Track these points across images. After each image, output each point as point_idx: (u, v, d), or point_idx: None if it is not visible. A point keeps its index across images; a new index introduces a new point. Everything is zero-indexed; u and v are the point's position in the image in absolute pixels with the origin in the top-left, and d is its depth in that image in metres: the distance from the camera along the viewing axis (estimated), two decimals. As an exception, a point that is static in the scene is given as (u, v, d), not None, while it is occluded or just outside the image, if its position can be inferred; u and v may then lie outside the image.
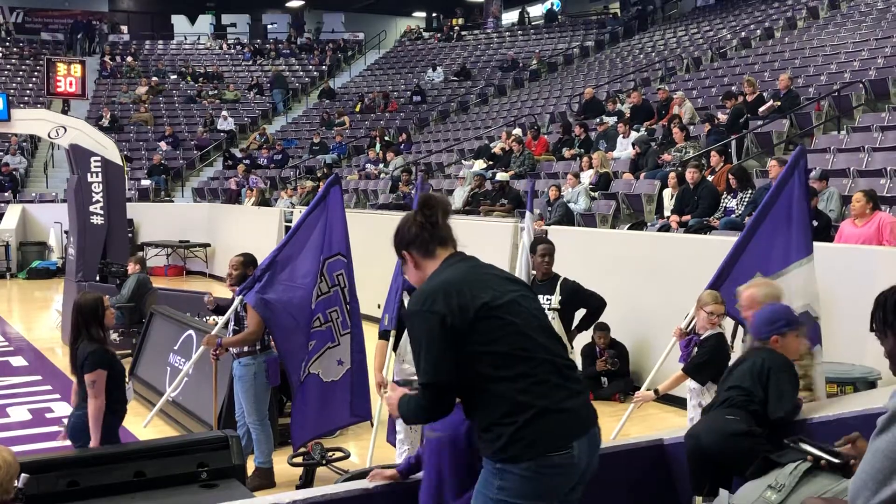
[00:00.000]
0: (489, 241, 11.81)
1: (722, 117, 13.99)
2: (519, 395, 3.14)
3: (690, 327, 6.20)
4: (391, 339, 6.48)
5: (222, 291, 10.23)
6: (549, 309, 7.08)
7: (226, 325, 7.14)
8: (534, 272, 7.52)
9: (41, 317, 15.38)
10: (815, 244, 8.47)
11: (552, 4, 35.06)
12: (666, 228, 10.84)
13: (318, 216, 7.05)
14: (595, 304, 7.68)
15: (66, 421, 5.95)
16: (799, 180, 6.15)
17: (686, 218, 10.71)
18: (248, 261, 7.13)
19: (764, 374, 4.35)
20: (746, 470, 3.88)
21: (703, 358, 5.79)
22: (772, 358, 4.43)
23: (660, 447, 4.66)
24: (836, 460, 3.51)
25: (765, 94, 14.51)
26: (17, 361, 11.62)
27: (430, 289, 3.25)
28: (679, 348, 6.32)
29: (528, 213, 8.35)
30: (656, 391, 6.07)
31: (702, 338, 5.92)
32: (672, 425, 7.75)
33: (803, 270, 6.01)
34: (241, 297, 6.90)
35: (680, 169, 11.77)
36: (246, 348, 6.86)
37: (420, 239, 3.37)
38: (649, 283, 9.35)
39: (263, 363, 6.90)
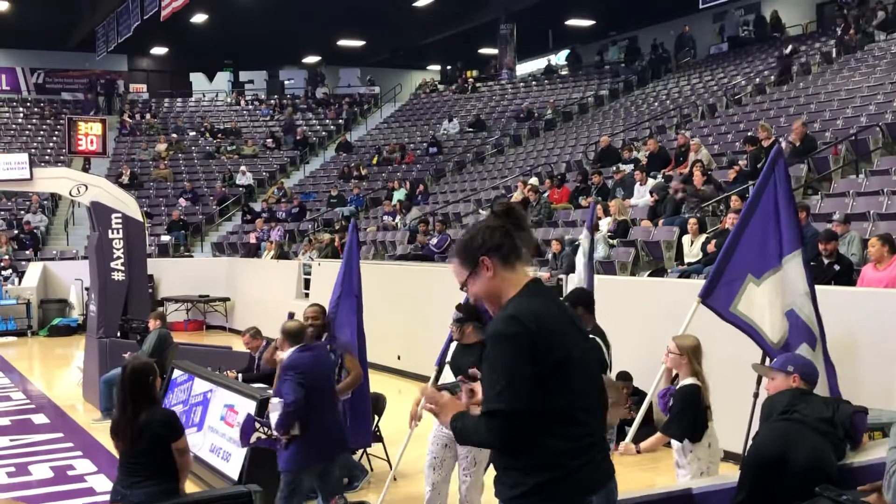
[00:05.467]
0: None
1: (742, 163, 14.00)
2: (556, 456, 3.01)
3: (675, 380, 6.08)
4: (431, 377, 6.83)
5: (242, 345, 10.24)
6: None
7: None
8: None
9: (62, 374, 15.40)
10: (838, 288, 8.48)
11: (569, 53, 35.32)
12: (687, 275, 10.79)
13: (349, 261, 7.69)
14: None
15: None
16: (779, 177, 6.12)
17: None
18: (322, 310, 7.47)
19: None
20: None
21: (675, 411, 5.62)
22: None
23: (689, 497, 4.59)
24: None
25: (780, 139, 14.52)
26: (39, 419, 11.62)
27: (527, 314, 3.02)
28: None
29: (584, 231, 8.82)
30: (638, 450, 5.84)
31: (676, 388, 5.77)
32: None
33: (794, 265, 5.96)
34: (330, 347, 7.20)
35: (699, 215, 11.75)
36: None
37: (505, 246, 3.16)
38: (671, 331, 9.26)
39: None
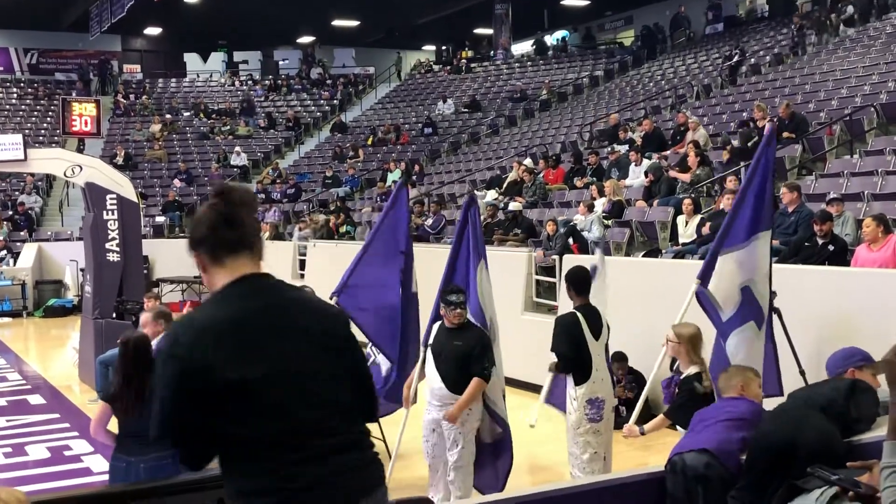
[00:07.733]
0: (504, 270, 11.81)
1: (735, 142, 14.00)
2: (271, 480, 2.57)
3: (676, 367, 6.12)
4: (418, 360, 6.90)
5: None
6: None
7: None
8: None
9: (58, 355, 15.43)
10: (832, 269, 8.50)
11: (563, 37, 35.22)
12: (681, 255, 10.80)
13: (393, 217, 7.61)
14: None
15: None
16: (770, 157, 6.11)
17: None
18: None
19: (851, 391, 4.35)
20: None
21: (682, 399, 5.65)
22: (856, 382, 4.43)
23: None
24: (859, 490, 3.48)
25: (774, 119, 14.51)
26: (35, 399, 11.64)
27: (184, 326, 2.66)
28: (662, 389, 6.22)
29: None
30: (643, 431, 5.87)
31: (681, 377, 5.84)
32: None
33: (763, 244, 5.94)
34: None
35: (694, 195, 11.74)
36: None
37: (209, 240, 2.70)
38: (665, 311, 9.28)
39: None
